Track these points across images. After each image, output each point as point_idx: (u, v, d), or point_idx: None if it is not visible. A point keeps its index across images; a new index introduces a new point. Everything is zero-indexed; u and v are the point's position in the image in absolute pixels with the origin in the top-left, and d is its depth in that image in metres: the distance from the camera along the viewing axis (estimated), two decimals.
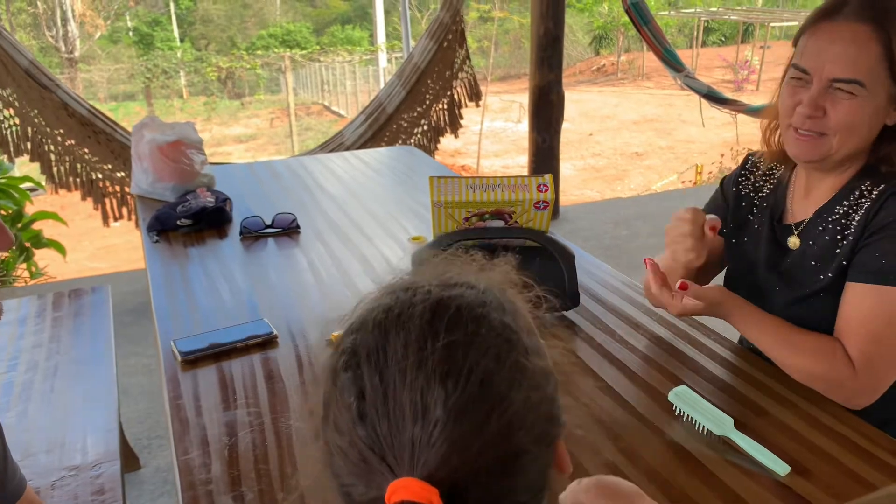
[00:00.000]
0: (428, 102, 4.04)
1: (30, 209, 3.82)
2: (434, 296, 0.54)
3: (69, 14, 16.73)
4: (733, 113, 5.34)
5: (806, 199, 1.29)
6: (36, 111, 3.56)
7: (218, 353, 1.35)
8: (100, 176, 3.76)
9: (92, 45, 18.54)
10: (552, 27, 4.32)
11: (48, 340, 2.05)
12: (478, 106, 4.32)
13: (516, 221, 1.43)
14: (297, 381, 1.27)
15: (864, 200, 1.19)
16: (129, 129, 2.91)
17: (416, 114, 4.02)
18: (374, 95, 4.25)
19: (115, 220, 3.87)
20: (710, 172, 9.75)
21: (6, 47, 3.44)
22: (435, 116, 4.12)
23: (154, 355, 3.01)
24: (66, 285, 3.81)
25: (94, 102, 5.56)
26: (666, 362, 1.31)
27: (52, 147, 3.64)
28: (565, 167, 9.59)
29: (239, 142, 14.17)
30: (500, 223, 1.43)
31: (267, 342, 1.38)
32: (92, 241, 7.59)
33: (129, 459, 2.34)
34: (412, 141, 4.08)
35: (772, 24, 17.10)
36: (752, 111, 5.07)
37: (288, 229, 1.92)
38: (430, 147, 4.12)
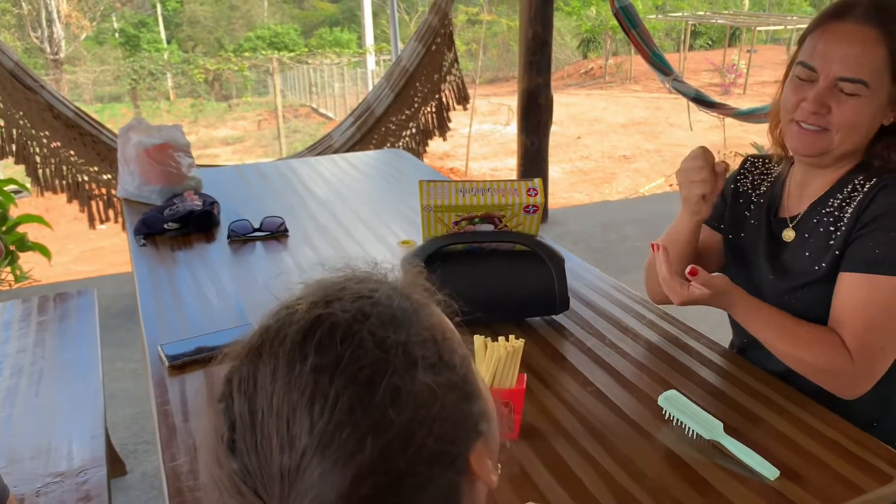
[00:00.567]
0: (416, 105, 4.04)
1: (14, 212, 3.78)
2: (310, 314, 0.51)
3: (54, 15, 16.60)
4: (721, 116, 5.38)
5: (801, 194, 1.32)
6: (21, 113, 3.53)
7: (206, 358, 1.33)
8: (86, 178, 3.73)
9: (77, 47, 18.41)
10: (541, 31, 4.33)
11: (33, 345, 2.02)
12: (466, 109, 4.32)
13: (506, 225, 1.42)
14: None
15: (856, 194, 1.21)
16: (116, 131, 2.88)
17: (404, 116, 4.02)
18: (363, 98, 4.25)
19: (102, 222, 3.84)
20: None
21: None
22: (423, 119, 4.12)
23: (140, 360, 2.99)
24: (52, 289, 3.77)
25: (80, 104, 5.51)
26: (656, 366, 1.31)
27: (37, 149, 3.61)
28: (553, 170, 9.60)
29: (226, 144, 14.10)
30: (490, 227, 1.42)
31: None
32: (77, 244, 7.52)
33: (116, 465, 2.32)
34: (400, 144, 4.08)
35: (758, 28, 17.23)
36: (740, 115, 5.11)
37: (276, 233, 1.91)
38: (418, 150, 4.12)
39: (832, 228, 1.23)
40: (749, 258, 1.38)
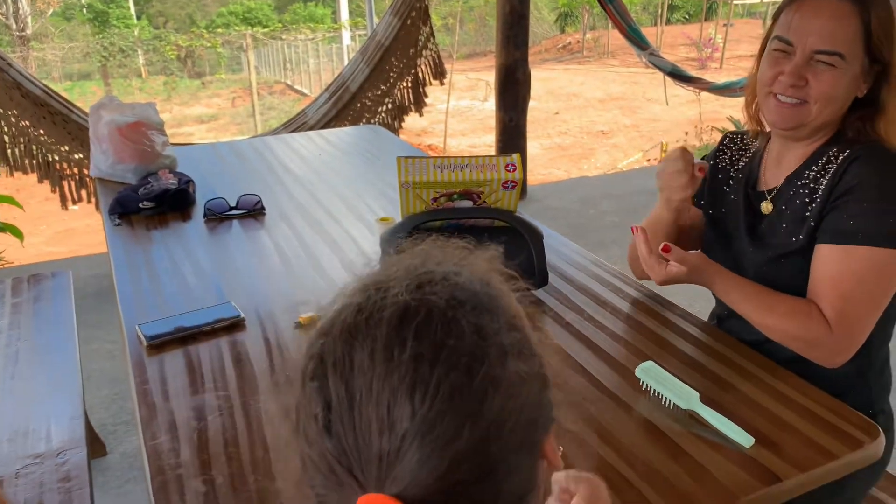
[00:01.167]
0: (392, 80, 4.00)
1: None
2: (404, 299, 0.51)
3: None
4: (697, 91, 5.40)
5: (778, 166, 1.34)
6: None
7: (184, 337, 1.33)
8: (56, 158, 3.65)
9: (44, 23, 17.93)
10: (518, 5, 4.30)
11: (8, 327, 2.00)
12: (442, 84, 4.28)
13: (485, 201, 1.42)
14: (265, 364, 1.26)
15: (830, 166, 1.24)
16: (87, 109, 2.83)
17: (380, 92, 3.98)
18: (338, 73, 4.20)
19: (74, 202, 3.77)
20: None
21: None
22: (399, 95, 4.08)
23: (116, 340, 2.96)
24: (25, 270, 3.71)
25: (49, 82, 5.39)
26: (633, 339, 1.33)
27: (5, 128, 3.53)
28: (532, 146, 9.60)
29: (200, 122, 13.89)
30: (469, 203, 1.42)
31: (234, 325, 1.37)
32: (50, 225, 7.41)
33: (95, 446, 2.31)
34: (376, 120, 4.04)
35: (735, 2, 17.26)
36: (716, 89, 5.13)
37: (253, 211, 1.90)
38: (394, 126, 4.09)
39: (807, 200, 1.25)
40: (730, 232, 1.40)
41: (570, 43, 19.69)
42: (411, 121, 4.30)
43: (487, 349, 0.50)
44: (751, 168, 1.40)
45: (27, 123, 3.54)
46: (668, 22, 19.69)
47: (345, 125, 3.88)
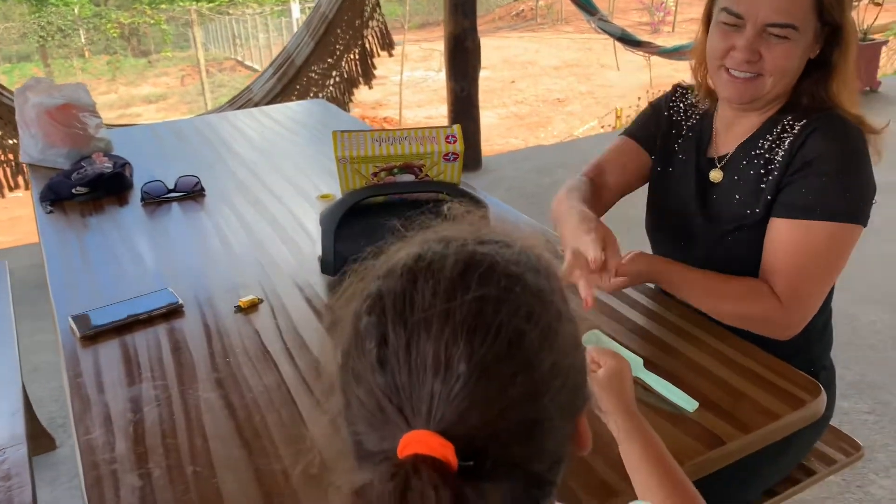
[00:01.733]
0: (338, 53, 3.91)
1: None
2: (468, 249, 0.51)
3: None
4: (647, 55, 5.41)
5: (729, 133, 1.31)
6: None
7: (120, 327, 1.29)
8: None
9: None
10: None
11: None
12: (391, 55, 4.20)
13: (427, 175, 1.39)
14: (205, 351, 1.22)
15: (786, 135, 1.21)
16: None
17: (326, 65, 3.89)
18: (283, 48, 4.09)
19: (10, 189, 3.64)
20: (629, 116, 9.90)
21: None
22: (347, 67, 3.99)
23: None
24: None
25: None
26: (579, 307, 1.32)
27: None
28: (489, 116, 9.56)
29: (149, 102, 13.49)
30: (411, 177, 1.39)
31: (172, 312, 1.33)
32: None
33: (43, 440, 2.25)
34: (324, 94, 3.95)
35: None
36: (665, 53, 5.15)
37: (192, 193, 1.84)
38: (343, 100, 4.01)
39: (763, 172, 1.23)
40: (679, 198, 1.37)
41: (523, 10, 19.57)
42: (366, 94, 4.23)
43: (547, 306, 0.51)
44: (701, 129, 1.37)
45: None
46: None
47: (292, 100, 3.80)
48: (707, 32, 1.26)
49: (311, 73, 3.85)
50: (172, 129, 2.46)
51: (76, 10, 17.71)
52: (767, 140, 1.23)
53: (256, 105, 3.74)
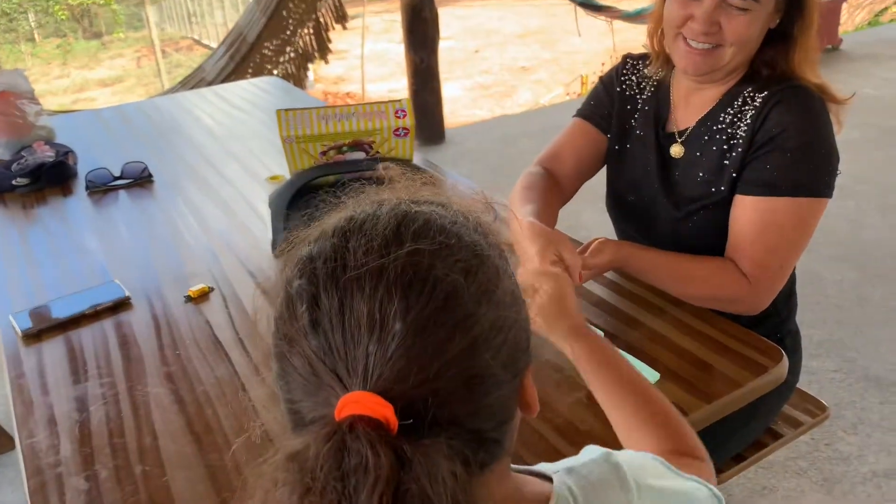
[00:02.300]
0: (292, 28, 3.81)
1: None
2: (402, 208, 0.49)
3: None
4: (609, 20, 5.37)
5: (688, 106, 1.27)
6: None
7: (65, 323, 1.24)
8: None
9: None
10: None
11: None
12: (345, 28, 4.11)
13: (378, 151, 1.35)
14: (154, 344, 1.18)
15: (747, 108, 1.18)
16: None
17: (279, 41, 3.80)
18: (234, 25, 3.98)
19: None
20: (594, 82, 9.85)
21: None
22: (301, 42, 3.89)
23: None
24: None
25: None
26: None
27: None
28: (454, 87, 9.45)
29: (104, 85, 13.12)
30: (361, 155, 1.35)
31: (119, 305, 1.28)
32: None
33: (2, 439, 2.19)
34: (279, 70, 3.86)
35: None
36: (628, 17, 5.11)
37: (139, 179, 1.78)
38: (299, 75, 3.92)
39: (725, 148, 1.19)
40: (639, 176, 1.33)
41: None
42: (327, 68, 4.15)
43: (484, 261, 0.49)
44: (658, 101, 1.32)
45: None
46: None
47: (247, 78, 3.70)
48: None
49: (265, 49, 3.75)
50: (119, 114, 2.37)
51: None
52: (728, 114, 1.20)
53: (210, 84, 3.65)
